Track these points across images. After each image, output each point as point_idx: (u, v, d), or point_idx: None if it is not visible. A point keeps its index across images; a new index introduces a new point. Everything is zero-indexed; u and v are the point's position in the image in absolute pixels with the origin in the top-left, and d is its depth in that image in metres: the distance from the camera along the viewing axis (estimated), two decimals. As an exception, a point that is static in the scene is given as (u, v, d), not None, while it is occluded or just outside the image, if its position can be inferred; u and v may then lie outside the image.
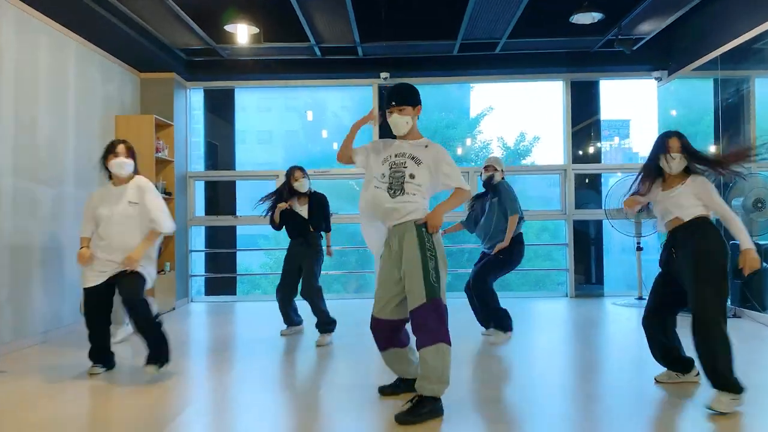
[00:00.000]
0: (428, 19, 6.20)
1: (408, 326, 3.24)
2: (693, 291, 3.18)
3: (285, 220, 5.20)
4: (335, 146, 12.33)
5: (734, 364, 3.07)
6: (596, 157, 7.69)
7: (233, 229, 8.00)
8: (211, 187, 7.99)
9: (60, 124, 5.51)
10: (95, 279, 3.84)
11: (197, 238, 7.98)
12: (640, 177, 3.52)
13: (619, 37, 6.21)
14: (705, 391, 3.45)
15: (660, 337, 3.52)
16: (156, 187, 6.60)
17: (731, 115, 6.26)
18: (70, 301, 5.54)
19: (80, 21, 5.48)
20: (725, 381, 3.04)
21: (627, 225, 6.97)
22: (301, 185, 5.15)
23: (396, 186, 3.17)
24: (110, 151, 3.88)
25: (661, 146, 3.38)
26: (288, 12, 5.65)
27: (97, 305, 3.90)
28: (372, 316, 3.28)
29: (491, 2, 5.59)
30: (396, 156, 3.23)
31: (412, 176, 3.17)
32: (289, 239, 5.28)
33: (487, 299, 4.73)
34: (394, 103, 3.23)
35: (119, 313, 5.42)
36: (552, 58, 7.25)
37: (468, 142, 12.30)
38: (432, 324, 3.02)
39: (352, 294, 9.14)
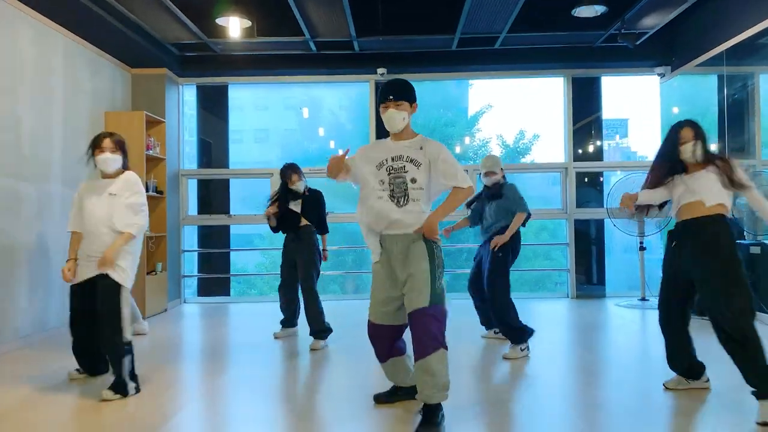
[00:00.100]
0: (426, 12, 6.03)
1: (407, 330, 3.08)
2: (720, 295, 3.03)
3: (280, 218, 5.03)
4: (332, 144, 12.18)
5: None
6: (598, 155, 7.54)
7: (227, 228, 7.83)
8: (204, 186, 7.81)
9: (45, 119, 5.33)
10: (78, 275, 3.62)
11: (190, 238, 7.80)
12: (657, 171, 3.35)
13: (623, 31, 6.05)
14: (716, 397, 3.30)
15: (683, 344, 3.36)
16: (147, 185, 6.53)
17: (735, 111, 6.11)
18: (56, 304, 5.37)
19: (66, 13, 5.31)
20: None
21: (629, 224, 6.82)
22: (298, 187, 5.00)
23: (399, 193, 3.00)
24: (96, 145, 3.65)
25: (677, 137, 3.25)
26: (281, 4, 5.49)
27: (80, 304, 3.67)
28: (369, 322, 3.13)
29: (491, -5, 5.44)
30: (393, 160, 3.05)
31: (413, 180, 3.00)
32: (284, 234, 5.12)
33: (508, 319, 4.39)
34: (391, 97, 3.04)
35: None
36: (553, 54, 7.09)
37: (467, 140, 12.14)
38: (434, 329, 2.87)
39: (350, 295, 8.97)
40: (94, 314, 3.63)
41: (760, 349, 2.94)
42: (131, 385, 3.43)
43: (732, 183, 3.16)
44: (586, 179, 7.56)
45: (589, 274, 7.53)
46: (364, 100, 7.64)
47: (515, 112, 12.16)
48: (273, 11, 5.76)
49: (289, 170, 5.00)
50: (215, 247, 7.98)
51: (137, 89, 6.99)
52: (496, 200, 4.62)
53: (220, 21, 5.63)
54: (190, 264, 7.79)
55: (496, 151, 11.16)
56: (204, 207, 7.76)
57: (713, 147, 6.25)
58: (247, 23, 5.67)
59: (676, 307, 3.35)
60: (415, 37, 6.63)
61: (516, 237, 4.58)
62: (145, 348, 4.84)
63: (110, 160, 3.62)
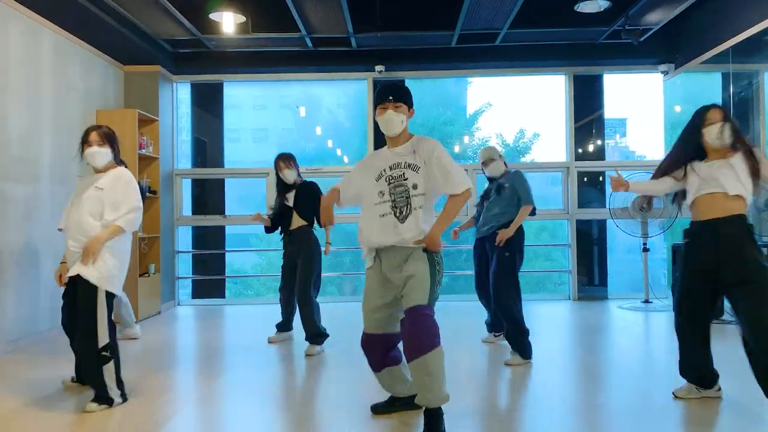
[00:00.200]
0: (425, 8, 5.89)
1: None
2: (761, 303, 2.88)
3: (278, 214, 4.87)
4: (330, 144, 12.05)
5: None
6: (599, 155, 7.40)
7: (222, 229, 7.68)
8: (199, 186, 7.66)
9: (34, 118, 5.19)
10: (65, 276, 3.39)
11: (184, 239, 7.66)
12: (673, 155, 3.20)
13: (627, 27, 5.91)
14: (730, 407, 3.16)
15: (700, 352, 3.21)
16: (140, 185, 6.36)
17: (741, 110, 5.97)
18: (45, 307, 5.23)
19: (56, 9, 5.17)
20: None
21: (633, 225, 6.68)
22: (286, 176, 4.80)
23: (401, 203, 2.85)
24: (83, 140, 3.46)
25: (703, 119, 3.09)
26: (277, -1, 5.35)
27: (67, 304, 3.47)
28: (363, 332, 3.01)
29: (492, -11, 5.31)
30: (392, 168, 2.91)
31: (415, 187, 2.86)
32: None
33: (519, 325, 4.14)
34: (390, 98, 2.90)
35: (121, 314, 5.14)
36: (554, 51, 6.95)
37: (466, 139, 12.02)
38: (432, 327, 2.77)
39: (348, 297, 8.83)
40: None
41: None
42: (116, 394, 3.27)
43: (757, 174, 3.00)
44: (585, 179, 7.41)
45: (591, 275, 7.39)
46: (362, 98, 7.50)
47: (515, 111, 12.05)
48: (268, 6, 5.61)
49: (277, 159, 4.83)
50: (210, 248, 7.83)
51: (130, 87, 6.84)
52: (503, 185, 4.36)
53: (213, 16, 5.49)
54: (184, 265, 7.64)
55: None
56: (199, 207, 7.61)
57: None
58: (242, 19, 5.53)
59: (697, 311, 3.18)
60: (414, 33, 6.49)
61: (521, 234, 4.33)
62: (136, 353, 4.70)
63: (97, 153, 3.41)
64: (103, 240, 3.24)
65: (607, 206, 6.83)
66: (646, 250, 6.68)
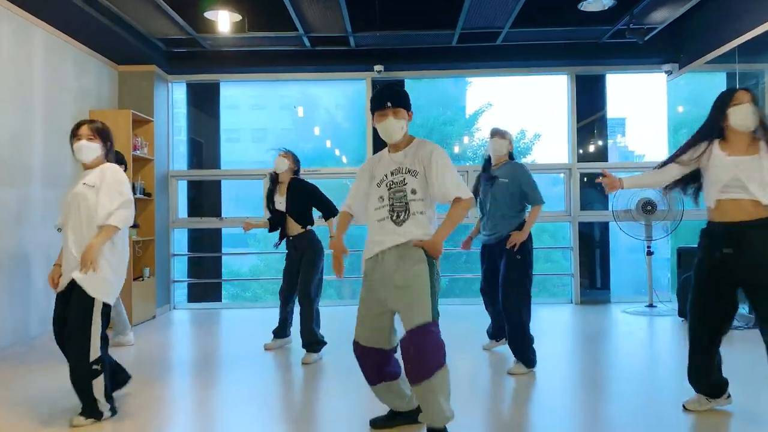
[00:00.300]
0: (425, 6, 5.77)
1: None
2: None
3: (275, 219, 4.74)
4: (328, 144, 11.93)
5: None
6: (602, 156, 7.28)
7: (218, 231, 7.55)
8: (195, 187, 7.54)
9: (25, 119, 5.06)
10: (64, 278, 3.21)
11: (180, 242, 7.53)
12: (693, 140, 3.04)
13: (631, 26, 5.79)
14: (742, 418, 3.05)
15: (713, 362, 3.08)
16: (134, 187, 6.25)
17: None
18: (37, 312, 5.11)
19: (47, 8, 5.03)
20: None
21: (636, 227, 6.57)
22: (277, 163, 4.62)
23: (399, 207, 2.76)
24: (73, 134, 3.28)
25: (729, 98, 2.92)
26: (273, -3, 5.22)
27: (58, 315, 3.26)
28: (354, 342, 2.88)
29: (494, -13, 5.18)
30: (393, 174, 2.81)
31: (414, 192, 2.76)
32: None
33: (525, 332, 4.00)
34: (389, 104, 2.79)
35: (114, 319, 5.00)
36: (557, 50, 6.82)
37: (465, 140, 11.91)
38: (437, 347, 2.64)
39: (347, 300, 8.69)
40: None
41: None
42: (105, 407, 3.15)
43: None
44: (585, 179, 7.29)
45: (593, 278, 7.27)
46: (361, 98, 7.38)
47: (516, 111, 11.94)
48: (264, 4, 5.49)
49: (278, 153, 4.68)
50: (206, 251, 7.70)
51: (124, 87, 6.72)
52: (501, 179, 4.09)
53: (208, 15, 5.36)
54: (180, 268, 7.51)
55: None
56: (194, 209, 7.48)
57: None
58: (237, 17, 5.40)
59: (712, 317, 3.04)
60: (414, 32, 6.36)
61: (529, 236, 4.12)
62: (130, 360, 4.55)
63: (85, 147, 3.21)
64: (100, 245, 3.08)
65: (610, 208, 6.72)
66: (650, 253, 6.56)
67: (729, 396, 3.20)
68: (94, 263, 3.06)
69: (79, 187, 3.19)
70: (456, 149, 11.56)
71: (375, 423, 2.99)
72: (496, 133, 4.24)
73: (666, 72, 7.06)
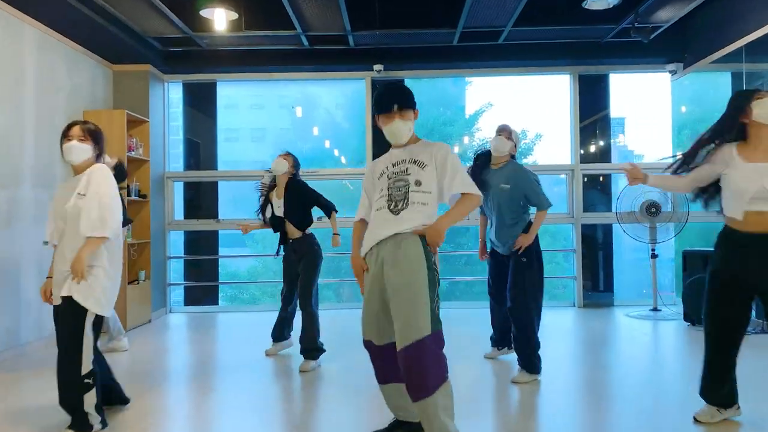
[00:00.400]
0: (426, 5, 5.66)
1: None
2: None
3: (274, 224, 4.62)
4: (327, 144, 11.80)
5: None
6: (605, 156, 7.17)
7: (215, 233, 7.43)
8: (192, 188, 7.42)
9: (16, 119, 4.94)
10: (56, 291, 3.08)
11: (176, 244, 7.41)
12: (707, 139, 2.92)
13: (636, 25, 5.67)
14: (751, 427, 2.94)
15: (729, 372, 2.97)
16: (129, 189, 6.13)
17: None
18: (28, 318, 4.99)
19: (39, 5, 4.91)
20: None
21: (640, 229, 6.46)
22: (274, 165, 4.49)
23: (398, 197, 2.61)
24: (64, 134, 3.14)
25: (752, 94, 2.81)
26: (270, -5, 5.10)
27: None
28: (365, 340, 2.74)
29: (496, -15, 5.06)
30: (395, 165, 2.69)
31: (418, 183, 2.62)
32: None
33: (531, 337, 3.87)
34: (396, 106, 2.67)
35: (107, 324, 4.88)
36: (559, 49, 6.70)
37: (465, 140, 11.79)
38: (438, 364, 2.50)
39: (346, 303, 8.58)
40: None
41: None
42: (96, 419, 3.03)
43: None
44: (585, 179, 7.18)
45: (596, 281, 7.16)
46: (360, 97, 7.26)
47: (517, 111, 11.81)
48: (261, 2, 5.38)
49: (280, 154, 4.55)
50: (203, 253, 7.59)
51: (119, 87, 6.60)
52: (503, 184, 3.90)
53: (204, 13, 5.23)
54: (176, 271, 7.40)
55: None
56: (191, 211, 7.36)
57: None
58: (234, 16, 5.28)
59: (735, 328, 2.93)
60: (414, 31, 6.23)
61: (536, 238, 3.98)
62: (123, 367, 4.44)
63: (75, 148, 3.07)
64: (86, 254, 2.95)
65: (614, 210, 6.61)
66: (654, 256, 6.45)
67: (738, 407, 3.09)
68: (84, 273, 2.94)
69: (72, 201, 3.03)
70: (456, 149, 11.46)
71: (375, 437, 2.86)
72: (504, 131, 4.04)
73: (670, 72, 6.95)
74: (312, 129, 11.81)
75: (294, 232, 4.52)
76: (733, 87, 6.18)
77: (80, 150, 3.09)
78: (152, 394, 3.79)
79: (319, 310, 4.55)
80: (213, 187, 7.38)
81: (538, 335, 3.96)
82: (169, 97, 7.21)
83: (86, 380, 2.95)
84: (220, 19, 5.27)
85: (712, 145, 2.96)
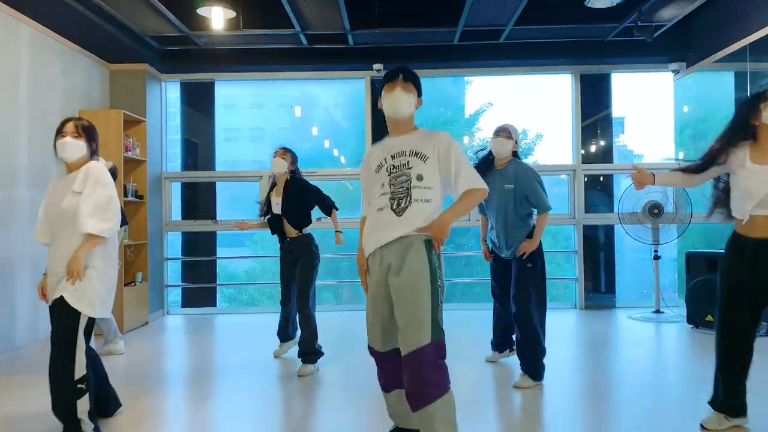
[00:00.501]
0: (426, 3, 5.59)
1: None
2: None
3: (273, 223, 4.55)
4: (326, 144, 11.73)
5: None
6: (607, 157, 7.10)
7: (213, 234, 7.35)
8: (190, 189, 7.34)
9: (10, 119, 4.86)
10: (50, 294, 3.01)
11: (174, 245, 7.34)
12: (722, 139, 2.85)
13: (639, 23, 5.59)
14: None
15: (738, 383, 2.90)
16: (125, 189, 6.06)
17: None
18: (24, 320, 4.92)
19: (33, 4, 4.84)
20: None
21: (643, 231, 6.38)
22: (272, 164, 4.41)
23: (400, 194, 2.51)
24: (58, 131, 3.06)
25: (763, 96, 2.75)
26: (269, -7, 5.03)
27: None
28: (369, 346, 2.67)
29: (497, -17, 4.99)
30: (394, 157, 2.57)
31: (420, 177, 2.52)
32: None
33: (537, 344, 3.80)
34: (401, 76, 2.60)
35: (102, 327, 4.80)
36: (561, 49, 6.62)
37: (465, 140, 11.72)
38: (438, 374, 2.42)
39: (345, 305, 8.51)
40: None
41: None
42: (90, 427, 2.95)
43: None
44: (586, 179, 7.11)
45: (598, 282, 7.09)
46: (360, 97, 7.18)
47: (517, 111, 11.74)
48: (259, 1, 5.30)
49: (276, 151, 4.46)
50: (201, 254, 7.51)
51: (116, 86, 6.52)
52: (506, 185, 3.82)
53: (201, 11, 5.15)
54: (174, 272, 7.33)
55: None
56: (189, 211, 7.28)
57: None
58: (231, 14, 5.20)
59: (748, 333, 2.86)
60: (415, 30, 6.15)
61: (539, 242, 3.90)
62: (119, 371, 4.37)
63: (69, 144, 2.99)
64: (83, 254, 2.88)
65: (616, 210, 6.54)
66: (657, 257, 6.38)
67: (746, 415, 3.02)
68: (80, 273, 2.87)
69: (68, 199, 2.95)
70: (456, 149, 11.36)
71: (374, 446, 2.80)
72: (502, 132, 3.93)
73: (673, 71, 6.88)
74: (311, 129, 11.74)
75: (291, 231, 4.44)
76: (737, 86, 6.11)
77: (74, 147, 3.01)
78: (148, 399, 3.72)
79: (318, 312, 4.48)
80: (211, 187, 7.31)
81: (544, 340, 3.89)
82: (167, 97, 7.14)
83: (79, 385, 2.88)
84: (217, 18, 5.19)
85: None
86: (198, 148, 7.42)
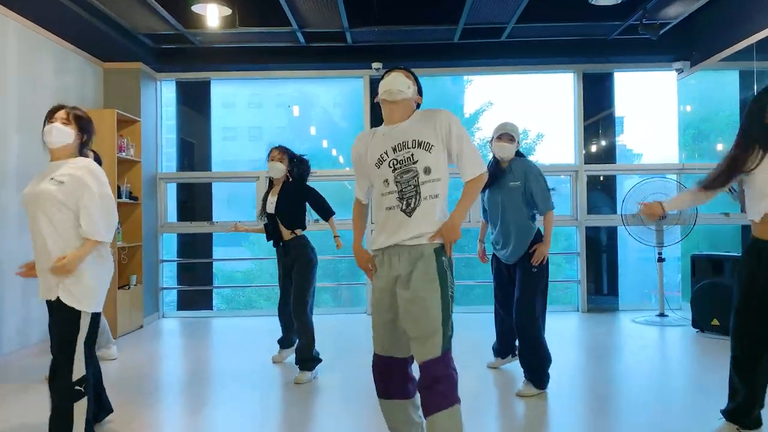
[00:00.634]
0: (426, 0, 5.46)
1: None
2: None
3: (269, 225, 4.43)
4: (325, 144, 11.62)
5: None
6: (609, 157, 6.98)
7: (209, 236, 7.23)
8: (185, 190, 7.22)
9: (-2, 119, 4.74)
10: (42, 293, 2.85)
11: (169, 247, 7.21)
12: (737, 147, 2.74)
13: (644, 21, 5.48)
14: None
15: (756, 395, 2.77)
16: (119, 190, 5.93)
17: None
18: (11, 326, 4.80)
19: (22, 0, 4.71)
20: None
21: (646, 232, 6.27)
22: (270, 168, 4.30)
23: (409, 192, 2.39)
24: (47, 117, 2.90)
25: None
26: (265, -10, 4.91)
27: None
28: (375, 354, 2.56)
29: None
30: (396, 150, 2.43)
31: (427, 170, 2.40)
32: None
33: (542, 351, 3.70)
34: (402, 66, 2.54)
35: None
36: (564, 47, 6.50)
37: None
38: (445, 383, 2.36)
39: (344, 308, 8.39)
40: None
41: None
42: None
43: None
44: (587, 179, 7.00)
45: (600, 284, 6.98)
46: (358, 96, 7.07)
47: (517, 110, 11.63)
48: (256, -2, 5.18)
49: (273, 149, 4.33)
50: (197, 256, 7.38)
51: (110, 85, 6.40)
52: (511, 183, 3.73)
53: (196, 9, 5.03)
54: (169, 275, 7.20)
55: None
56: (185, 213, 7.16)
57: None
58: (227, 11, 5.08)
59: (766, 340, 2.75)
60: (414, 28, 6.02)
61: (540, 241, 3.78)
62: (111, 377, 4.24)
63: (56, 129, 2.80)
64: (82, 257, 2.75)
65: (619, 212, 6.44)
66: (661, 260, 6.26)
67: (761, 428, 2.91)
68: (68, 271, 2.72)
69: (45, 185, 2.78)
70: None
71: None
72: (504, 136, 3.84)
73: (677, 70, 6.76)
74: (309, 128, 11.62)
75: (284, 233, 4.33)
76: (742, 86, 6.00)
77: (61, 132, 2.83)
78: (141, 407, 3.60)
79: (316, 315, 4.38)
80: (207, 188, 7.18)
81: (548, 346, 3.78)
82: (162, 96, 7.02)
83: (77, 387, 2.75)
84: (212, 15, 5.07)
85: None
86: (194, 147, 7.30)
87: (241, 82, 7.75)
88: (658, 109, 7.57)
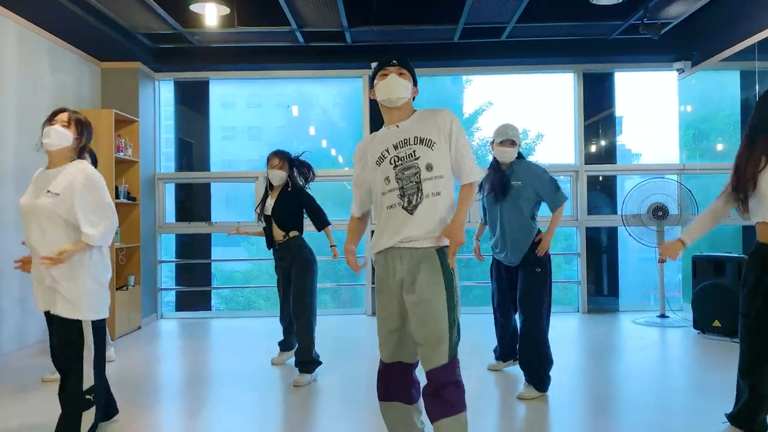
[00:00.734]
0: (426, 0, 5.43)
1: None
2: None
3: (267, 227, 4.40)
4: (324, 144, 11.58)
5: None
6: (610, 157, 6.96)
7: (208, 236, 7.20)
8: (184, 190, 7.18)
9: (-5, 119, 4.71)
10: (40, 304, 2.84)
11: (167, 248, 7.18)
12: (745, 151, 2.69)
13: (645, 21, 5.45)
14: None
15: (763, 402, 2.74)
16: (117, 191, 5.90)
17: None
18: (9, 328, 4.76)
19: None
20: None
21: (647, 233, 6.25)
22: (272, 176, 4.28)
23: (411, 190, 2.34)
24: (47, 120, 2.89)
25: None
26: (264, -11, 4.87)
27: (51, 336, 2.92)
28: (381, 361, 2.52)
29: (500, -21, 4.84)
30: (397, 147, 2.38)
31: (429, 167, 2.35)
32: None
33: (543, 351, 3.66)
34: (395, 62, 2.46)
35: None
36: (564, 47, 6.47)
37: (464, 140, 11.58)
38: (452, 391, 2.31)
39: (343, 309, 8.35)
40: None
41: None
42: None
43: None
44: (586, 179, 6.97)
45: (600, 285, 6.96)
46: (358, 96, 7.04)
47: (517, 110, 11.60)
48: (255, -3, 5.15)
49: (273, 155, 4.30)
50: (196, 257, 7.35)
51: (107, 85, 6.37)
52: (514, 183, 3.67)
53: (194, 8, 5.00)
54: (168, 276, 7.17)
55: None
56: (183, 213, 7.13)
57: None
58: (226, 10, 5.04)
59: (764, 345, 2.72)
60: (414, 27, 6.00)
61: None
62: (110, 379, 4.10)
63: (55, 132, 2.79)
64: (72, 252, 2.73)
65: (619, 212, 6.41)
66: (662, 261, 6.24)
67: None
68: (57, 261, 2.69)
69: (43, 199, 2.77)
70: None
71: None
72: (505, 141, 3.79)
73: (677, 70, 6.74)
74: (308, 128, 11.59)
75: (278, 234, 4.30)
76: (743, 86, 5.97)
77: (59, 135, 2.82)
78: (139, 410, 3.57)
79: (316, 317, 4.32)
80: (205, 188, 7.15)
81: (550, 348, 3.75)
82: (160, 96, 6.98)
83: (87, 396, 2.73)
84: (211, 15, 5.04)
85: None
86: (193, 147, 7.26)
87: (240, 81, 7.72)
88: (659, 109, 7.55)
